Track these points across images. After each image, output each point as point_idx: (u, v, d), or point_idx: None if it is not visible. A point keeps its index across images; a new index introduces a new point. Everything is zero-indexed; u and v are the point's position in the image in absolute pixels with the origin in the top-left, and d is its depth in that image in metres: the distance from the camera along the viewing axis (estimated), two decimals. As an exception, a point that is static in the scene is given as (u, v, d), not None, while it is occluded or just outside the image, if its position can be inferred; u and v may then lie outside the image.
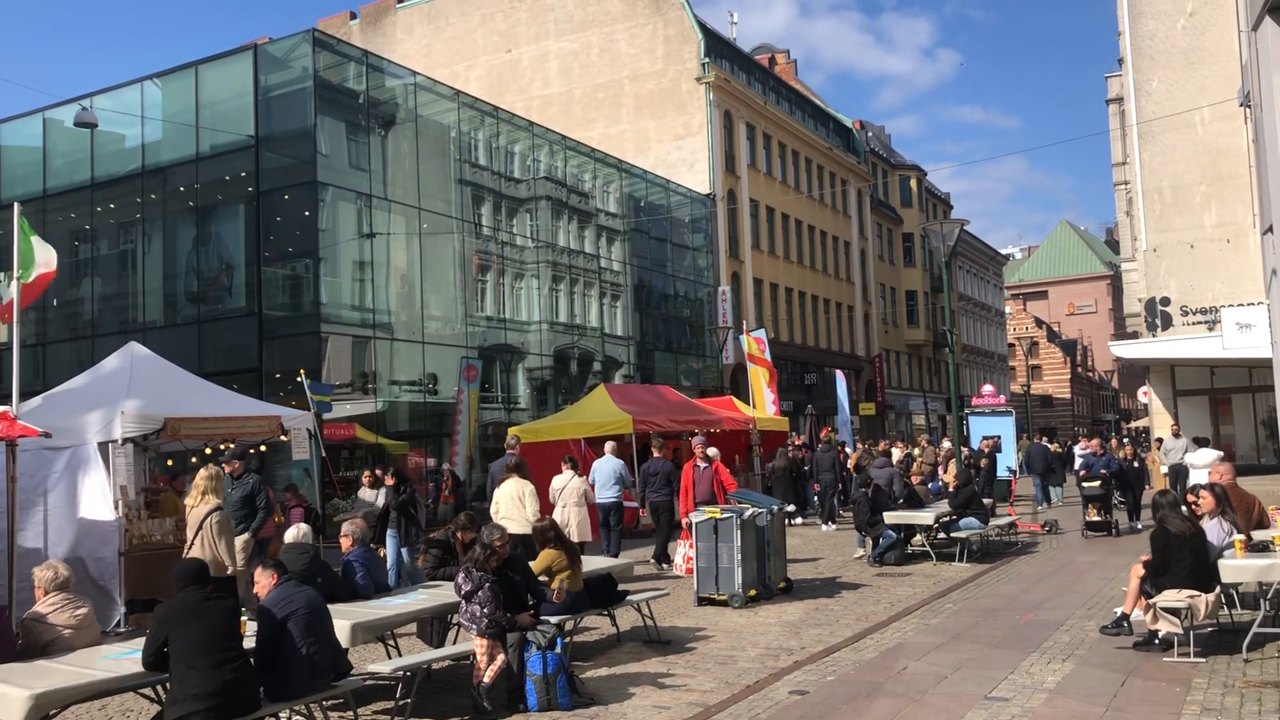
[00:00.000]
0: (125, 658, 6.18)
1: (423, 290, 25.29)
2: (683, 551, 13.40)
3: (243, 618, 5.89)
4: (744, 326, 25.92)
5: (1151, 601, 8.14)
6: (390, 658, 7.88)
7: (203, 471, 9.78)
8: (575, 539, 12.70)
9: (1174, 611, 8.01)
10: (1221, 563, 8.14)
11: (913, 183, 58.76)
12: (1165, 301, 23.15)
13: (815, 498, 22.09)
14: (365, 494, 13.92)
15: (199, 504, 9.52)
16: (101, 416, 10.88)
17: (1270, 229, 10.57)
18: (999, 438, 22.98)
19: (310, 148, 22.05)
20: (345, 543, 8.57)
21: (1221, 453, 17.82)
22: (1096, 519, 17.12)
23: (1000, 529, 16.39)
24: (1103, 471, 17.62)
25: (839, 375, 33.15)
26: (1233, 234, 22.53)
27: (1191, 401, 23.78)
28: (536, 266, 29.61)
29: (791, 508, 18.34)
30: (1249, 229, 21.83)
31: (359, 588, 8.20)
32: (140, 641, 6.00)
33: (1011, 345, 79.22)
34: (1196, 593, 8.03)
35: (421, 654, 7.89)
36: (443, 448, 24.52)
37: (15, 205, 9.87)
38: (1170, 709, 6.69)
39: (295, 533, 8.38)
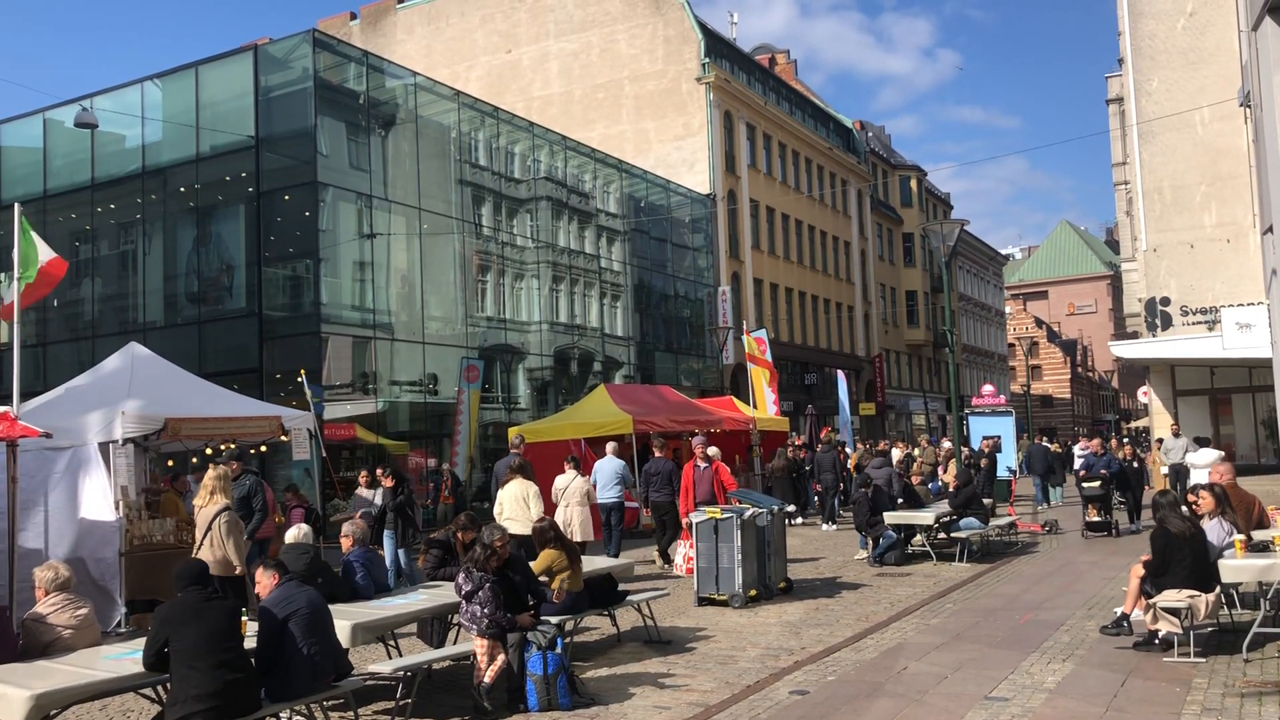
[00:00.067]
0: (126, 658, 6.18)
1: (423, 290, 25.30)
2: (683, 551, 13.41)
3: (243, 618, 5.89)
4: (744, 327, 25.94)
5: (1151, 601, 8.15)
6: (391, 658, 7.89)
7: (211, 471, 9.78)
8: (578, 539, 12.75)
9: (1174, 611, 8.01)
10: (1221, 563, 8.14)
11: (913, 183, 58.77)
12: (1165, 301, 23.16)
13: (815, 498, 22.10)
14: (363, 493, 13.95)
15: (208, 504, 9.52)
16: (102, 417, 10.89)
17: (1270, 229, 10.57)
18: (999, 438, 22.98)
19: (310, 148, 22.05)
20: (345, 543, 8.57)
21: (1222, 453, 17.83)
22: (1096, 519, 17.12)
23: (1000, 529, 16.39)
24: (1103, 472, 17.61)
25: (840, 375, 33.16)
26: (1233, 234, 22.54)
27: (1191, 401, 23.79)
28: (537, 267, 29.62)
29: (792, 508, 18.35)
30: (1249, 229, 21.84)
31: (359, 588, 8.21)
32: (141, 642, 6.01)
33: (1011, 345, 79.22)
34: (1196, 593, 8.03)
35: (422, 654, 7.89)
36: (443, 448, 24.53)
37: (15, 206, 9.89)
38: (1170, 709, 6.70)
39: (296, 533, 8.38)
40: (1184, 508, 8.95)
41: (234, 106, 22.65)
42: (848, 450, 25.55)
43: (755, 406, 22.04)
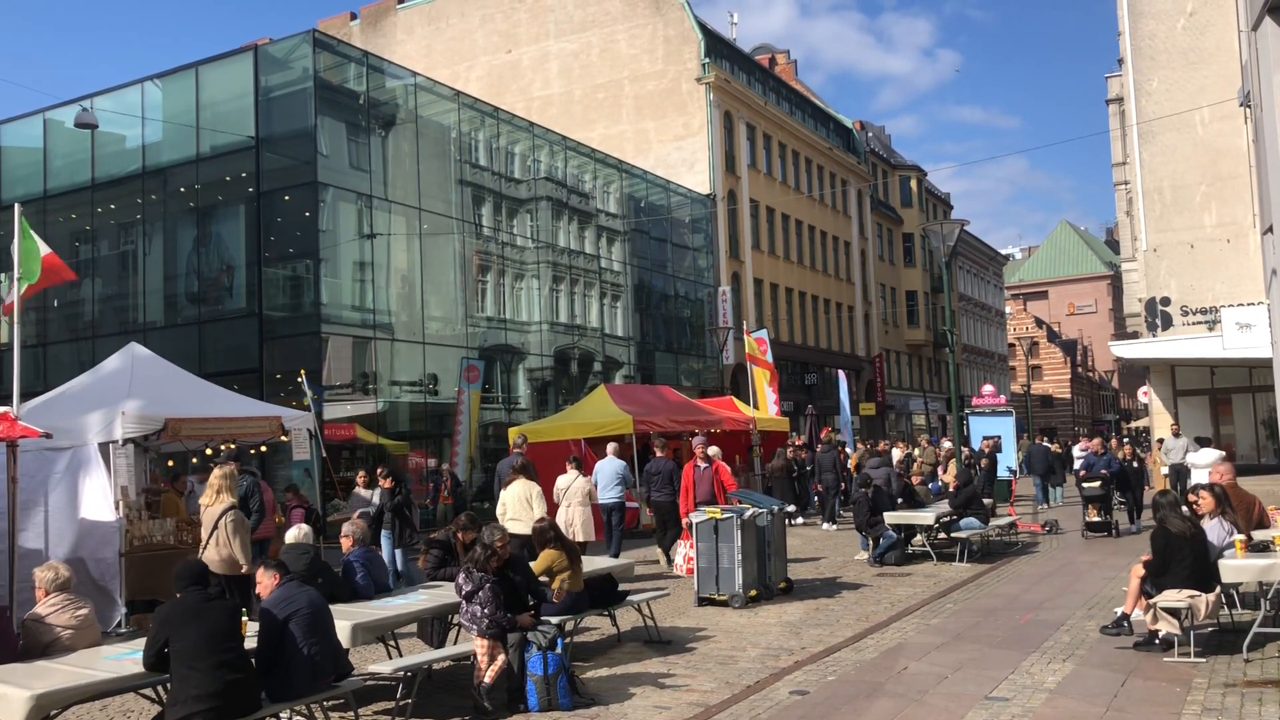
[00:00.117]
0: (126, 658, 6.18)
1: (423, 291, 25.30)
2: (683, 552, 13.41)
3: (243, 618, 5.89)
4: (744, 327, 25.93)
5: (1152, 601, 8.15)
6: (391, 658, 7.89)
7: (217, 470, 9.77)
8: (580, 539, 12.77)
9: (1174, 612, 8.01)
10: (1222, 563, 8.15)
11: (913, 183, 58.77)
12: (1165, 301, 23.15)
13: (815, 498, 22.10)
14: (361, 492, 13.97)
15: (214, 503, 9.52)
16: (102, 417, 10.89)
17: (1270, 229, 10.57)
18: (999, 438, 22.98)
19: (310, 148, 22.05)
20: (346, 543, 8.58)
21: (1223, 452, 17.83)
22: (1096, 519, 17.11)
23: (1000, 529, 16.39)
24: (1103, 472, 17.61)
25: (841, 376, 33.16)
26: (1233, 234, 22.53)
27: (1191, 401, 23.78)
28: (537, 267, 29.62)
29: (792, 508, 18.36)
30: (1249, 229, 21.84)
31: (359, 588, 8.21)
32: (141, 642, 6.01)
33: (1012, 345, 79.22)
34: (1197, 593, 8.03)
35: (422, 654, 7.89)
36: (443, 448, 24.53)
37: (15, 206, 9.89)
38: (1171, 709, 6.70)
39: (296, 533, 8.39)
40: (1184, 508, 8.95)
41: (234, 107, 22.65)
42: (848, 450, 25.54)
43: (756, 407, 22.03)
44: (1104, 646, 8.59)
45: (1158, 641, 8.19)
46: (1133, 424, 67.65)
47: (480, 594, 7.22)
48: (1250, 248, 21.55)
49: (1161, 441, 21.94)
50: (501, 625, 7.19)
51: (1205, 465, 15.67)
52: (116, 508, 10.80)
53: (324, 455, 15.96)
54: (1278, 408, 14.62)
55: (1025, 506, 21.76)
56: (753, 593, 11.24)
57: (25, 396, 9.82)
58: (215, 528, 9.43)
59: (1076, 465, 20.92)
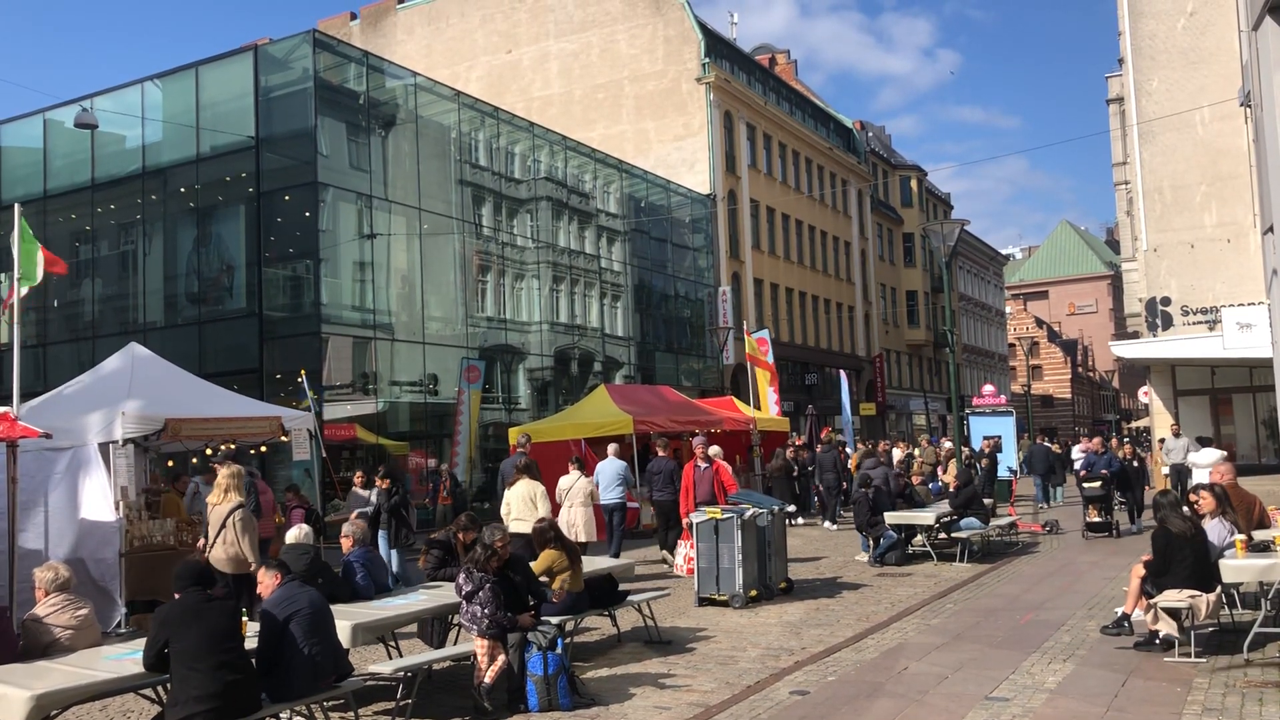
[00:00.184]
0: (126, 658, 6.18)
1: (423, 291, 25.30)
2: (684, 552, 13.41)
3: (243, 618, 5.89)
4: (745, 327, 25.92)
5: (1152, 601, 8.14)
6: (391, 658, 7.88)
7: (225, 469, 9.78)
8: (583, 539, 12.80)
9: (1174, 612, 8.01)
10: (1222, 563, 8.14)
11: (913, 183, 58.77)
12: (1166, 301, 23.15)
13: (816, 498, 22.08)
14: (359, 491, 13.98)
15: (221, 501, 9.53)
16: (102, 417, 10.89)
17: (1271, 229, 10.57)
18: (999, 438, 22.99)
19: (311, 148, 22.06)
20: (346, 543, 8.58)
21: (1225, 452, 17.81)
22: (1097, 520, 17.10)
23: (1001, 529, 16.39)
24: (1104, 471, 17.59)
25: (843, 376, 33.15)
26: (1233, 234, 22.53)
27: (1192, 401, 23.77)
28: (537, 267, 29.62)
29: (792, 508, 18.36)
30: (1249, 229, 21.84)
31: (359, 588, 8.21)
32: (141, 642, 6.01)
33: (1012, 345, 79.22)
34: (1197, 593, 8.03)
35: (422, 655, 7.89)
36: (443, 448, 24.53)
37: (15, 206, 9.89)
38: (1171, 709, 6.69)
39: (296, 533, 8.39)
40: (1185, 508, 8.95)
41: (234, 107, 22.66)
42: (848, 450, 25.53)
43: (758, 407, 22.01)
44: (1104, 646, 8.59)
45: (1158, 641, 8.19)
46: (1133, 424, 67.65)
47: (480, 594, 7.22)
48: (1250, 247, 21.55)
49: (1163, 441, 21.94)
50: (502, 625, 7.19)
51: (1206, 465, 15.66)
52: (116, 508, 10.81)
53: (324, 455, 15.96)
54: (1278, 408, 14.62)
55: (1026, 506, 21.76)
56: (753, 593, 11.23)
57: (25, 396, 9.82)
58: (223, 526, 9.44)
59: (1077, 465, 20.91)
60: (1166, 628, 8.00)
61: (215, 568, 9.50)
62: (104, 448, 10.89)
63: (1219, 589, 8.22)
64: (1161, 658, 8.05)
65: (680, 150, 38.25)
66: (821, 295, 46.85)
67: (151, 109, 23.88)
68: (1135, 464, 20.75)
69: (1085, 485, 17.46)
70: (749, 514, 11.34)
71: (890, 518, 14.68)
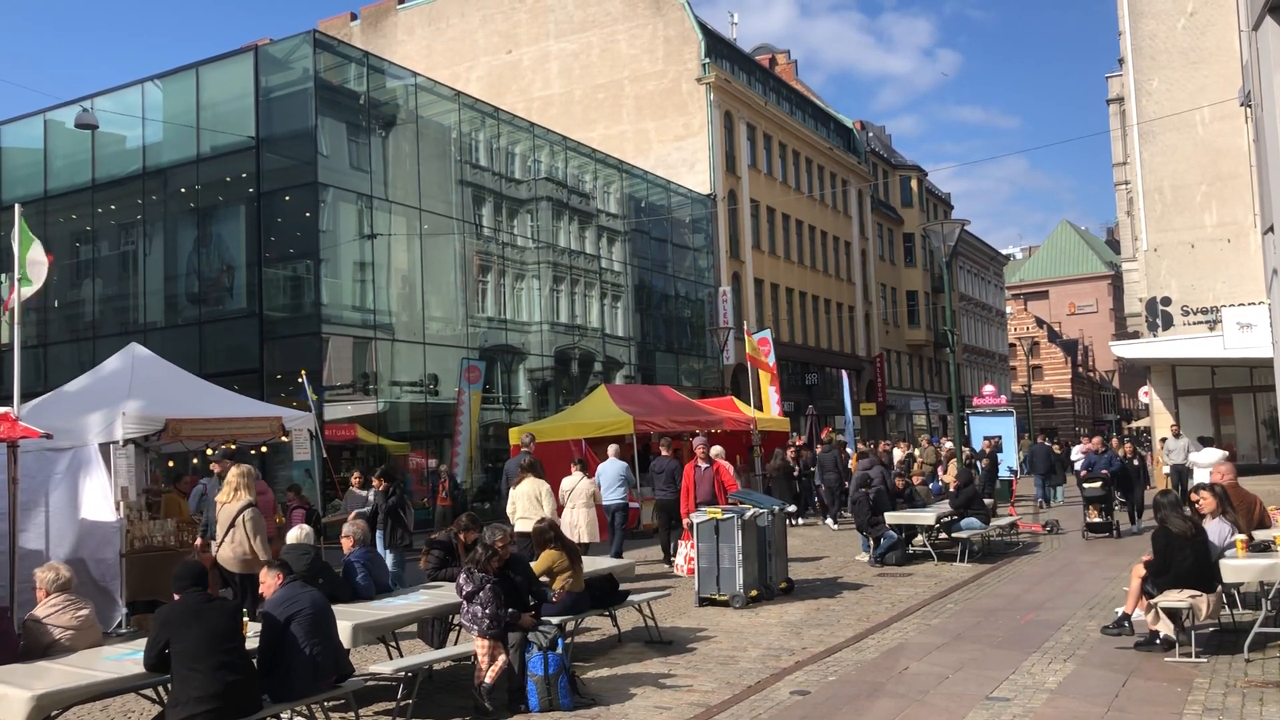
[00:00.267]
0: (127, 659, 6.18)
1: (424, 291, 25.30)
2: (684, 552, 13.42)
3: (243, 618, 5.89)
4: (745, 327, 25.92)
5: (1153, 601, 8.14)
6: (391, 658, 7.88)
7: (235, 468, 9.79)
8: (585, 539, 12.83)
9: (1174, 612, 8.01)
10: (1223, 563, 8.14)
11: (913, 183, 58.77)
12: (1166, 301, 23.15)
13: (816, 498, 22.07)
14: (357, 491, 13.97)
15: (231, 500, 9.53)
16: (103, 418, 10.89)
17: (1271, 229, 10.57)
18: (1000, 438, 22.99)
19: (311, 149, 22.05)
20: (346, 544, 8.58)
21: (1225, 452, 17.81)
22: (1097, 520, 17.09)
23: (1001, 529, 16.39)
24: (1104, 472, 17.58)
25: (844, 376, 33.13)
26: (1233, 234, 22.54)
27: (1192, 401, 23.78)
28: (537, 267, 29.62)
29: (792, 508, 18.36)
30: (1250, 229, 21.84)
31: (360, 588, 8.22)
32: (141, 643, 6.01)
33: (1012, 345, 79.21)
34: (1198, 593, 8.03)
35: (423, 655, 7.89)
36: (444, 449, 24.53)
37: (16, 207, 9.89)
38: (1172, 709, 6.70)
39: (297, 533, 8.38)
40: (1185, 508, 8.95)
41: (234, 107, 22.65)
42: (849, 450, 25.52)
43: (760, 408, 22.00)
44: (1105, 646, 8.59)
45: (1159, 641, 8.19)
46: (1133, 424, 67.67)
47: (481, 594, 7.22)
48: (1251, 247, 21.55)
49: (1164, 441, 21.94)
50: (502, 625, 7.19)
51: (1207, 465, 15.66)
52: (117, 508, 10.81)
53: (325, 456, 15.96)
54: (1279, 407, 14.62)
55: (1026, 506, 21.76)
56: (753, 593, 11.23)
57: (26, 397, 9.82)
58: (232, 525, 9.44)
59: (1077, 465, 20.90)
60: (1165, 629, 8.01)
61: (223, 567, 9.50)
62: (104, 448, 10.89)
63: (1219, 589, 8.22)
64: (1162, 658, 8.05)
65: (680, 150, 38.25)
66: (822, 295, 46.85)
67: (152, 109, 23.88)
68: (1136, 463, 20.74)
69: (1086, 485, 17.45)
70: (749, 514, 11.34)
71: (891, 518, 14.67)
